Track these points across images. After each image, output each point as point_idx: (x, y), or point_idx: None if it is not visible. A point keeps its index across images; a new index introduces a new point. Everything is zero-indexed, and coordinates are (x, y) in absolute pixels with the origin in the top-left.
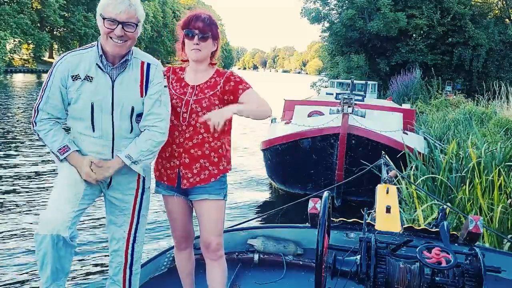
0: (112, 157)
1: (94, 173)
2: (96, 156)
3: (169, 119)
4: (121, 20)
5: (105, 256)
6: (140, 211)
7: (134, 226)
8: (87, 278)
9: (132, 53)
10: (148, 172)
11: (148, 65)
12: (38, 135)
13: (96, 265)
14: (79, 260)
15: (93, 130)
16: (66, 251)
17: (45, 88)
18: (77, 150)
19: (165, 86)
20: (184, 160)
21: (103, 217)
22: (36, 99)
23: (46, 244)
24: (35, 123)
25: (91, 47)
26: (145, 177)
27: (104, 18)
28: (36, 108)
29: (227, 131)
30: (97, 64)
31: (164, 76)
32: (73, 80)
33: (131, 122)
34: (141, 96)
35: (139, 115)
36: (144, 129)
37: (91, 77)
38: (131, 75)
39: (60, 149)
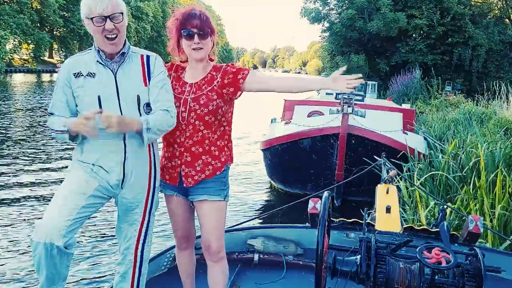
0: (125, 149)
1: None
2: (108, 153)
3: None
4: (108, 14)
5: (109, 258)
6: (151, 210)
7: (145, 225)
8: (90, 277)
9: (129, 47)
10: (157, 170)
11: (148, 56)
12: (51, 129)
13: (99, 267)
14: (80, 261)
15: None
16: (62, 259)
17: (54, 93)
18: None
19: (167, 75)
20: (186, 159)
21: (108, 216)
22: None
23: (39, 251)
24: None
25: (89, 50)
26: (156, 176)
27: (91, 19)
28: (48, 113)
29: (228, 123)
30: (97, 61)
31: (165, 66)
32: (76, 77)
33: (140, 112)
34: (145, 85)
35: (147, 105)
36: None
37: (93, 73)
38: (132, 66)
39: (65, 125)
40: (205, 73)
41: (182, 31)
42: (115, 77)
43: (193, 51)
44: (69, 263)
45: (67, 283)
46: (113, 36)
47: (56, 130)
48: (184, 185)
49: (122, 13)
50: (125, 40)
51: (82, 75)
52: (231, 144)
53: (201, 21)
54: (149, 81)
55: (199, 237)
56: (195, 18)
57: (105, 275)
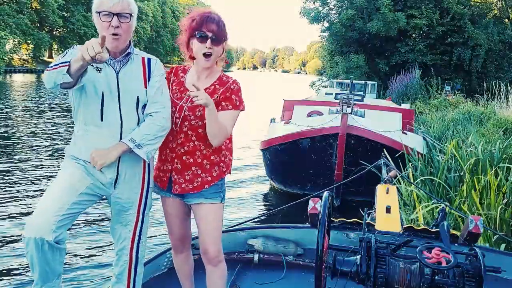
0: None
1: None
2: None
3: (170, 108)
4: (116, 12)
5: (105, 256)
6: (144, 210)
7: (139, 226)
8: (87, 279)
9: (133, 49)
10: (151, 171)
11: (149, 59)
12: (47, 69)
13: (97, 265)
14: (80, 261)
15: (102, 119)
16: (54, 254)
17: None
18: None
19: (165, 78)
20: (176, 166)
21: (104, 218)
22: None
23: (31, 247)
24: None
25: None
26: (149, 177)
27: (99, 13)
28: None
29: (228, 138)
30: None
31: (165, 70)
32: None
33: (138, 113)
34: (145, 87)
35: (145, 107)
36: (148, 116)
37: (100, 68)
38: (134, 67)
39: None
40: (208, 83)
41: (196, 32)
42: (117, 77)
43: (202, 57)
44: (62, 259)
45: (66, 285)
46: (116, 35)
47: (55, 65)
48: (172, 191)
49: (131, 15)
50: (130, 41)
51: (92, 65)
52: (229, 159)
53: (218, 27)
54: (148, 82)
55: (197, 237)
56: (213, 23)
57: (104, 276)
